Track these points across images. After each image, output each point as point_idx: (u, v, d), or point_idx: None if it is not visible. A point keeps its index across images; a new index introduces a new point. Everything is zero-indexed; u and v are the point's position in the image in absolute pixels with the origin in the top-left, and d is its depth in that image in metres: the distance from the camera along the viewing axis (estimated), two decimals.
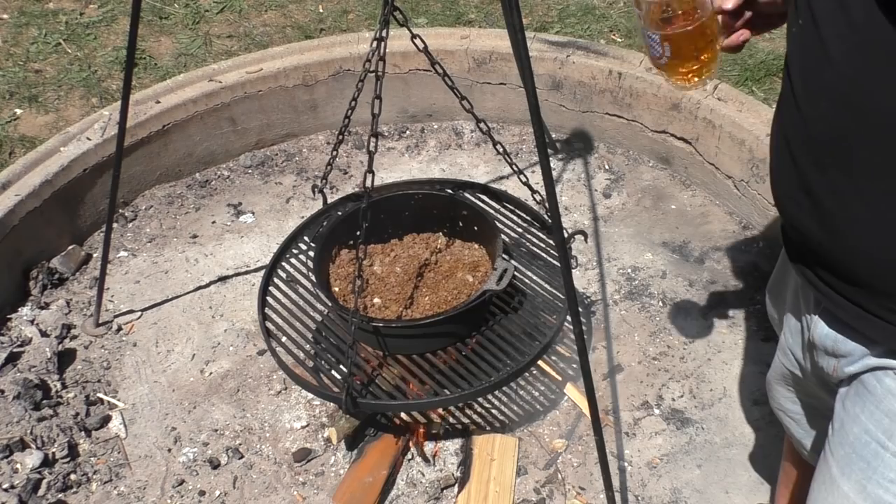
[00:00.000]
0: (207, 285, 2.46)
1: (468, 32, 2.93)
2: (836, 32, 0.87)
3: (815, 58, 0.91)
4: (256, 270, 2.49)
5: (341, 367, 1.74)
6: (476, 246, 2.01)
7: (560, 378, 2.09)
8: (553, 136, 2.93)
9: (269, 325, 1.86)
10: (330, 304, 1.80)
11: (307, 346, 1.82)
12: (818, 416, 1.33)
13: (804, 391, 1.30)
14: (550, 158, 2.45)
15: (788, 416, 1.41)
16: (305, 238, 2.05)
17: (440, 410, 2.02)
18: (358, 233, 1.52)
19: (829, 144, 0.93)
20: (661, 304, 2.33)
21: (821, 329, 1.08)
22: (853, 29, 0.85)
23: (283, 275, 1.98)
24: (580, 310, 2.02)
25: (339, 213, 2.03)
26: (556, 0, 3.59)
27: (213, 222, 2.69)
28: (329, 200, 2.10)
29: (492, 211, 2.06)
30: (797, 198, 1.01)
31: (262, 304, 1.90)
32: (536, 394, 2.09)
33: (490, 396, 2.06)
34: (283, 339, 1.84)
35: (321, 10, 3.65)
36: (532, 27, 3.37)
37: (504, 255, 1.81)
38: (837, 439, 1.06)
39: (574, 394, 2.06)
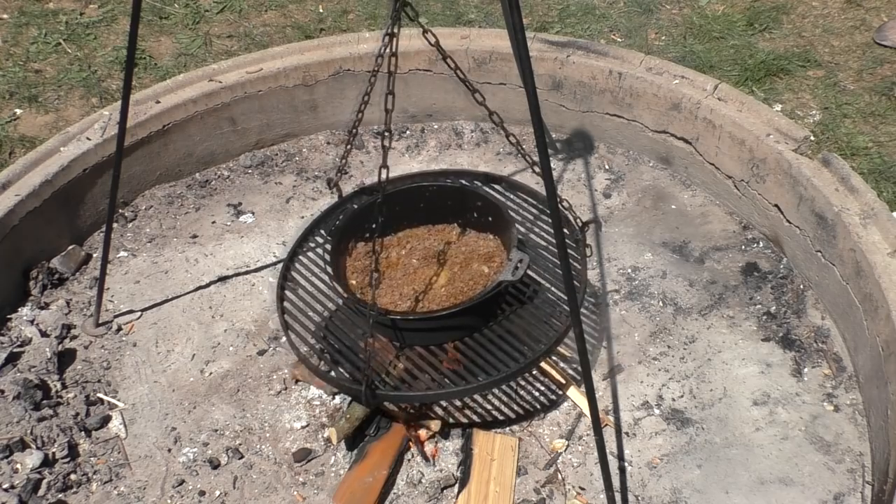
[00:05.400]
0: (207, 285, 2.46)
1: (468, 32, 2.93)
2: None
3: None
4: (256, 270, 2.50)
5: (360, 357, 1.76)
6: (490, 237, 2.02)
7: (560, 378, 2.08)
8: (553, 135, 2.93)
9: (286, 318, 1.87)
10: (346, 298, 1.81)
11: (324, 339, 1.84)
12: None
13: None
14: (550, 158, 2.46)
15: None
16: (322, 231, 2.05)
17: (439, 412, 2.02)
18: (374, 226, 1.52)
19: None
20: (661, 304, 2.33)
21: None
22: None
23: (300, 268, 1.99)
24: (582, 310, 2.03)
25: (355, 206, 2.04)
26: (556, 0, 3.59)
27: (213, 222, 2.69)
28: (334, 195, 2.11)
29: (505, 201, 2.07)
30: None
31: (281, 298, 1.91)
32: (537, 394, 2.09)
33: (490, 396, 2.06)
34: (301, 330, 1.86)
35: (321, 10, 3.65)
36: (532, 27, 3.37)
37: (518, 246, 1.82)
38: None
39: (574, 394, 2.06)
